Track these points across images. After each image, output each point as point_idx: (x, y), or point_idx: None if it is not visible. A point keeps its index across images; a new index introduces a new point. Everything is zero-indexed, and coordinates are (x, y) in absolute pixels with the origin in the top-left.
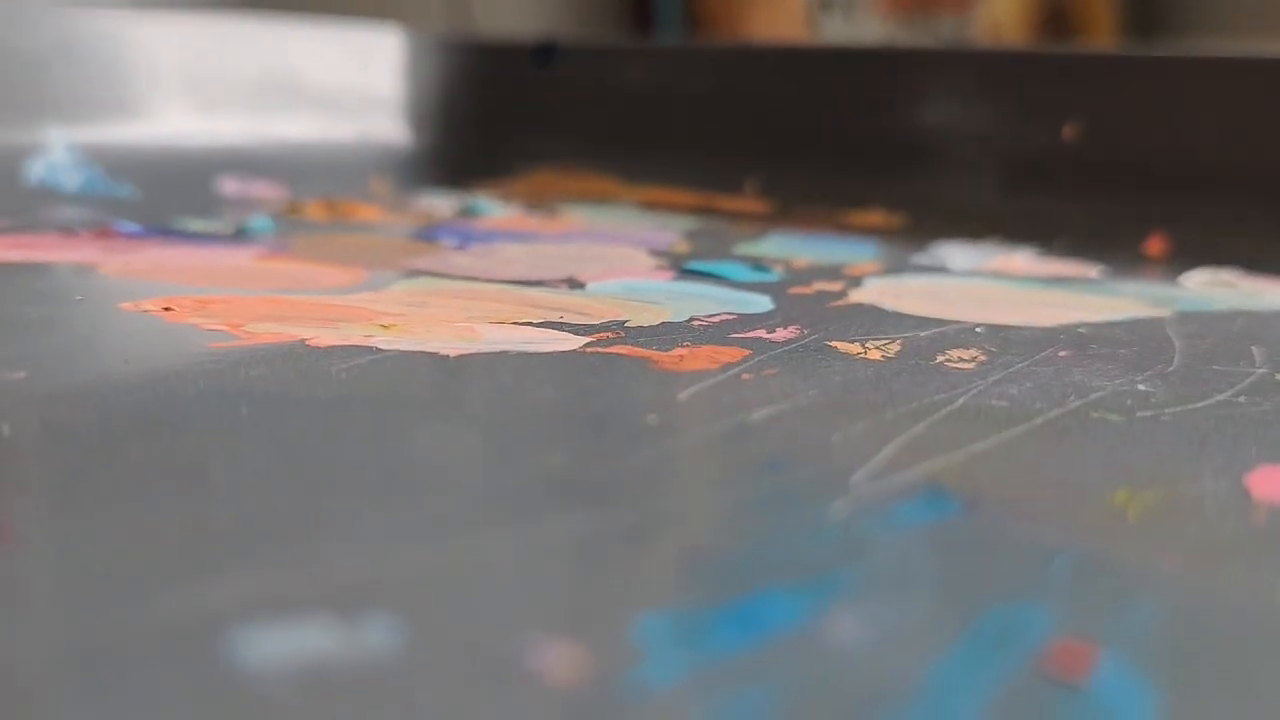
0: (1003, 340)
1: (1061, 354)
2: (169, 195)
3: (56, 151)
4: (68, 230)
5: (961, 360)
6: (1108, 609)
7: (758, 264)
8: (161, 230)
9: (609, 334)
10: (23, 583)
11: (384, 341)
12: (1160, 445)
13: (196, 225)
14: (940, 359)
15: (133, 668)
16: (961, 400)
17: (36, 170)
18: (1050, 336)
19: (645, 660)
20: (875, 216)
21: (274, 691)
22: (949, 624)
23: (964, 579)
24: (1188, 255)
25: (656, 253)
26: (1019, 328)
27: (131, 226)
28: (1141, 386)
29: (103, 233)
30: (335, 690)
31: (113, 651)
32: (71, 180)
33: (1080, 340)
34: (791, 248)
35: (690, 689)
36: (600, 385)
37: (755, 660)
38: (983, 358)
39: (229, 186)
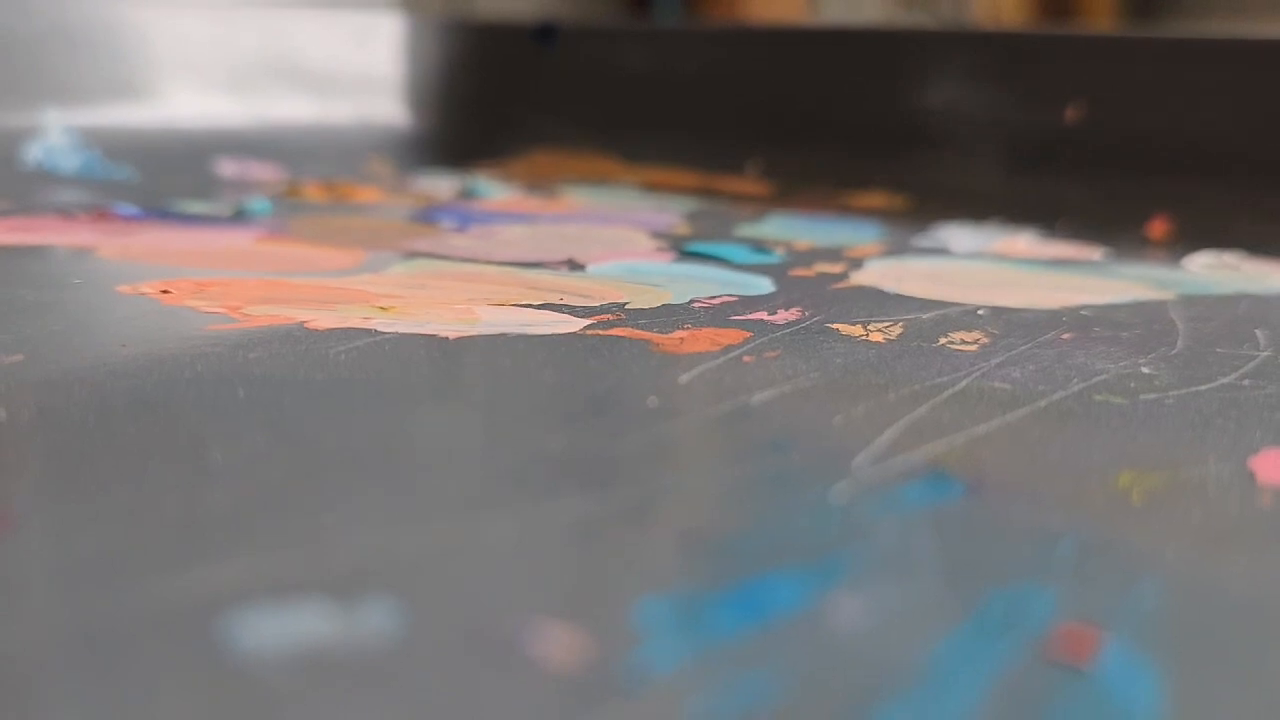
0: (1005, 322)
1: (1064, 336)
2: (167, 177)
3: (54, 134)
4: (65, 213)
5: (964, 342)
6: (1112, 592)
7: (759, 246)
8: (160, 212)
9: (609, 316)
10: (20, 568)
11: (383, 324)
12: (1164, 428)
13: (195, 207)
14: (943, 341)
15: (129, 652)
16: (964, 383)
17: (34, 153)
18: (1053, 319)
19: (646, 644)
20: (877, 198)
21: (270, 676)
22: (952, 607)
23: (967, 562)
24: (1191, 238)
25: (657, 234)
26: (1022, 310)
27: (129, 209)
28: (1145, 369)
29: (100, 215)
30: (332, 675)
31: (109, 636)
32: (69, 163)
33: (1083, 323)
34: (793, 229)
35: (691, 673)
36: (600, 368)
37: (757, 644)
38: (985, 340)
39: (227, 168)
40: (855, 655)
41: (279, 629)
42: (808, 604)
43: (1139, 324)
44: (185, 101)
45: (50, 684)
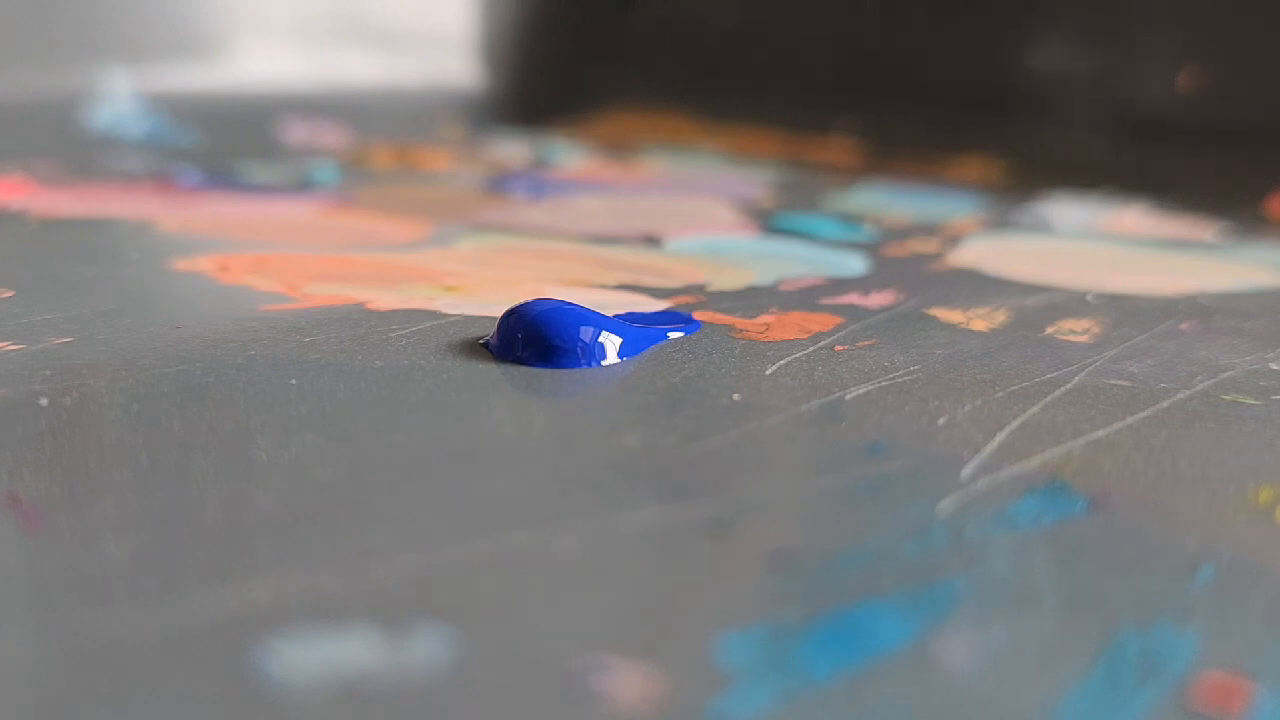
0: (1118, 310)
1: (1183, 327)
2: (234, 141)
3: (121, 98)
4: (128, 181)
5: (1074, 332)
6: (1260, 632)
7: (849, 220)
8: (224, 180)
9: (689, 298)
10: (48, 574)
11: (447, 305)
12: None
13: (260, 175)
14: (1050, 330)
15: (155, 670)
16: (1077, 379)
17: (101, 118)
18: (1170, 306)
19: (727, 686)
20: (973, 166)
21: (307, 708)
22: (1079, 648)
23: (1093, 593)
24: None
25: (740, 206)
26: (1135, 296)
27: (193, 177)
28: (1275, 365)
29: (163, 184)
30: (375, 710)
31: (135, 651)
32: (136, 128)
33: (1203, 312)
34: (884, 201)
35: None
36: (678, 357)
37: (855, 687)
38: (1097, 329)
39: (295, 131)
40: (966, 702)
41: (319, 655)
42: (911, 641)
43: (1263, 313)
44: (252, 61)
45: (70, 700)
